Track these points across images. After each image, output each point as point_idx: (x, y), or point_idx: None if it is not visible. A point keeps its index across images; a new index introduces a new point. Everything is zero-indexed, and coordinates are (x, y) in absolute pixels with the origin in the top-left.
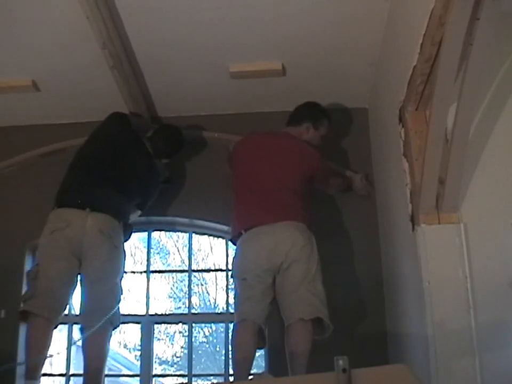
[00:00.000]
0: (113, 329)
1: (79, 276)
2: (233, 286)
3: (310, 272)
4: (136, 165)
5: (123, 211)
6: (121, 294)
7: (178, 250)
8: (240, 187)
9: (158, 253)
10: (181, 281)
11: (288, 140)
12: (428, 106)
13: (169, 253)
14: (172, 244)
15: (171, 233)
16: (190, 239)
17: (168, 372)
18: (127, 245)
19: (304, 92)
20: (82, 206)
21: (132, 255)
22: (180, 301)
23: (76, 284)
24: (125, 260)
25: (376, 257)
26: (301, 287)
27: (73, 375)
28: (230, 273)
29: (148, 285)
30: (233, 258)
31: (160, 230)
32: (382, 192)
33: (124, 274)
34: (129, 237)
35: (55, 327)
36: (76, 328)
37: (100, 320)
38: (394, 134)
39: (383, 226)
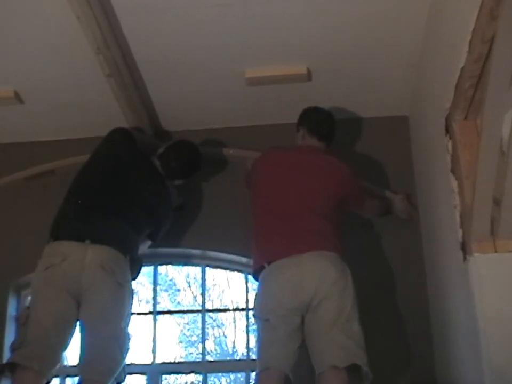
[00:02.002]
0: None
1: (77, 320)
2: (254, 328)
3: (344, 310)
4: (145, 189)
5: (130, 243)
6: (128, 341)
7: (190, 287)
8: (261, 212)
9: (165, 290)
10: (193, 323)
11: (316, 155)
12: (478, 114)
13: (178, 290)
14: (181, 279)
15: (181, 267)
16: (203, 273)
17: None
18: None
19: (333, 99)
20: (81, 237)
21: (134, 293)
22: (192, 346)
23: (74, 330)
24: (132, 300)
25: (422, 292)
26: (333, 328)
27: None
28: (250, 313)
29: (154, 328)
30: (255, 296)
31: (168, 264)
32: (426, 215)
33: (130, 317)
34: (138, 274)
35: (48, 383)
36: (70, 381)
37: (101, 372)
38: (440, 147)
39: (429, 255)
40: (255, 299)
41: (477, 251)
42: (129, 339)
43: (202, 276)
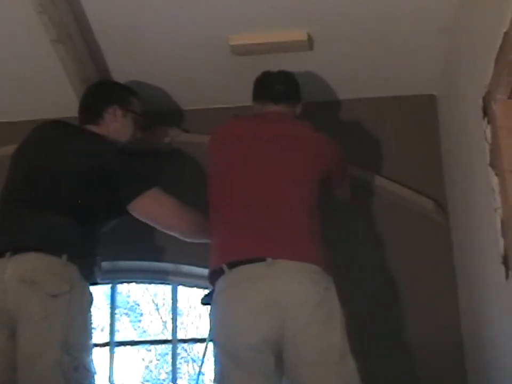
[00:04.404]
0: None
1: None
2: (214, 360)
3: (334, 344)
4: (65, 154)
5: (64, 237)
6: (85, 371)
7: (158, 311)
8: (223, 201)
9: (126, 315)
10: (162, 357)
11: (288, 121)
12: None
13: (143, 315)
14: (147, 301)
15: (147, 285)
16: (174, 293)
17: None
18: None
19: (341, 73)
20: (3, 252)
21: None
22: None
23: None
24: (84, 312)
25: (453, 315)
26: (325, 372)
27: None
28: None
29: (110, 362)
30: (212, 312)
31: (129, 281)
32: (460, 220)
33: (88, 340)
34: (94, 275)
35: None
36: None
37: None
38: (477, 134)
39: (463, 271)
40: (213, 317)
41: None
42: (86, 368)
43: (173, 296)
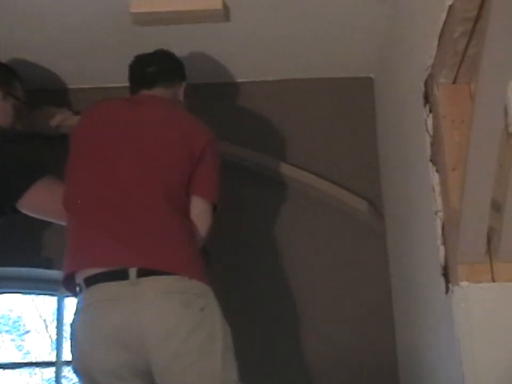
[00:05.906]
0: None
1: None
2: None
3: (213, 373)
4: None
5: None
6: None
7: (47, 327)
8: (76, 200)
9: (8, 332)
10: (48, 382)
11: (159, 106)
12: (473, 76)
13: (27, 332)
14: (32, 315)
15: (31, 297)
16: (60, 306)
17: None
18: None
19: (262, 49)
20: None
21: None
22: None
23: None
24: None
25: (387, 332)
26: None
27: None
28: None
29: None
30: (72, 334)
31: (8, 292)
32: (396, 224)
33: None
34: None
35: None
36: None
37: None
38: (417, 124)
39: (398, 281)
40: (71, 338)
41: (465, 279)
42: None
43: (58, 309)
